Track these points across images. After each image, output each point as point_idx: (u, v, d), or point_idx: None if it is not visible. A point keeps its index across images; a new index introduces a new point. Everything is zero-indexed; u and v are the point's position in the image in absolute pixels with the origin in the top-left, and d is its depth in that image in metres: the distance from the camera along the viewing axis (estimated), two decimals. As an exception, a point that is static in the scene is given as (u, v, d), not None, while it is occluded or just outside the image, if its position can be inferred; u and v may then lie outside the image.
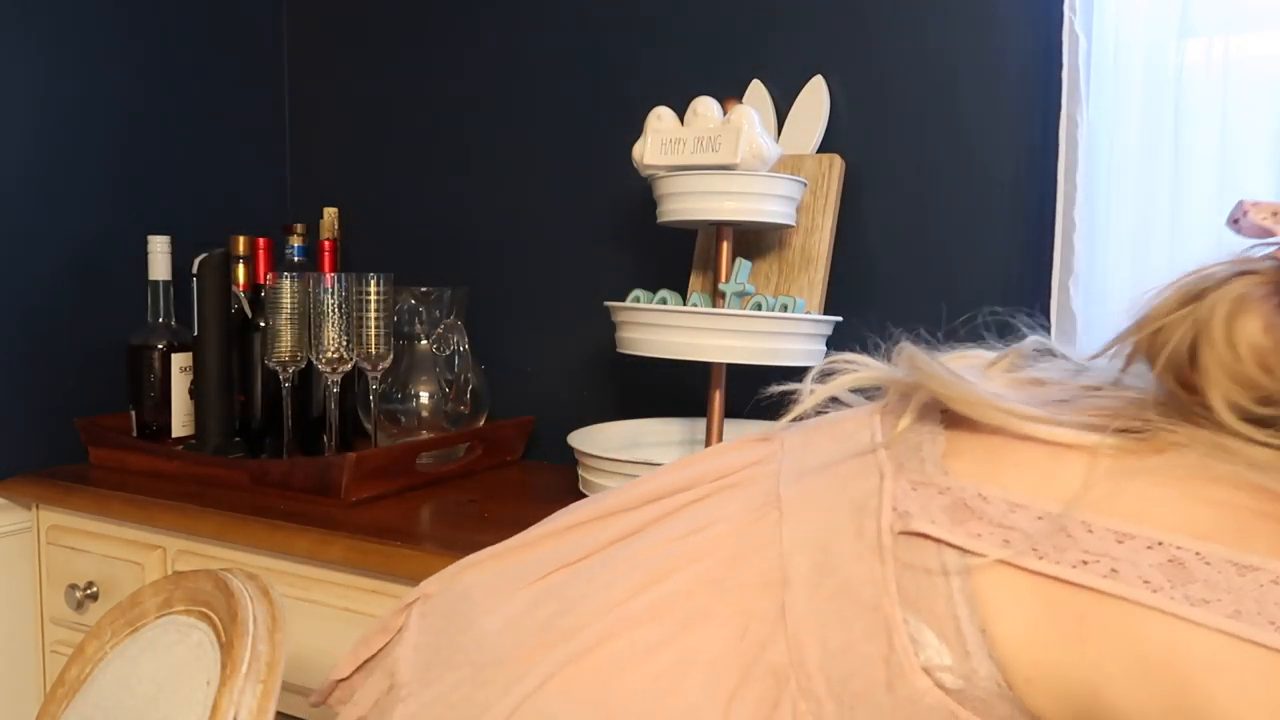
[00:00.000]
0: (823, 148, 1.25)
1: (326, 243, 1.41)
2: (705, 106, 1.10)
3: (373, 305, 1.24)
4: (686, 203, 1.10)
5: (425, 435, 1.33)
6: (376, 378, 1.28)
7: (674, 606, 0.50)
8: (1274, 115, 0.96)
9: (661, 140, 1.10)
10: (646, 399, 1.37)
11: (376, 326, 1.25)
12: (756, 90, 1.28)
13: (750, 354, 1.06)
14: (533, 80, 1.48)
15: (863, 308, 1.24)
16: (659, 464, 1.04)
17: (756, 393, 1.28)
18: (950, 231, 1.20)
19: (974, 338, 0.67)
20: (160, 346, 1.36)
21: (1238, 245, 0.52)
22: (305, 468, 1.19)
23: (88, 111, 1.40)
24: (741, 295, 1.11)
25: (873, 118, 1.24)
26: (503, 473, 1.37)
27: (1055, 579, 0.43)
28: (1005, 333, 0.63)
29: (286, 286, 1.24)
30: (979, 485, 0.47)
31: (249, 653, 0.72)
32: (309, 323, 1.25)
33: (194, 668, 0.77)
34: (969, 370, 0.54)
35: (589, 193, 1.44)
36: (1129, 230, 1.03)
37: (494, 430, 1.39)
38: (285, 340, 1.25)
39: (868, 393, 0.58)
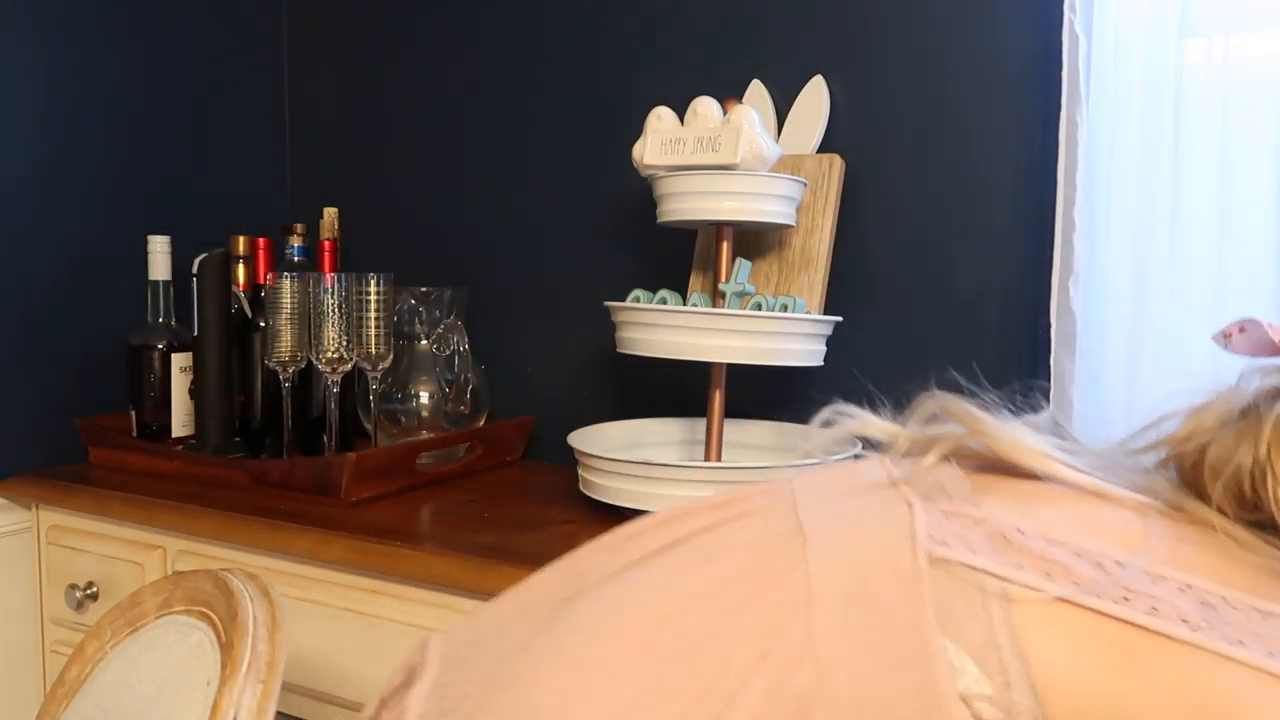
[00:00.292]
0: (823, 148, 1.25)
1: (326, 243, 1.41)
2: (705, 106, 1.10)
3: (373, 305, 1.24)
4: (686, 203, 1.10)
5: (425, 435, 1.33)
6: (376, 378, 1.28)
7: (692, 628, 0.49)
8: (1274, 115, 0.96)
9: (661, 140, 1.10)
10: (646, 399, 1.37)
11: (376, 326, 1.25)
12: (756, 90, 1.28)
13: (750, 354, 1.06)
14: (533, 80, 1.48)
15: (863, 308, 1.24)
16: (659, 464, 1.05)
17: (756, 393, 1.29)
18: (950, 231, 1.20)
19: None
20: (160, 346, 1.36)
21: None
22: (305, 468, 1.19)
23: (88, 111, 1.40)
24: (741, 295, 1.11)
25: (873, 118, 1.24)
26: (503, 473, 1.37)
27: (1099, 613, 0.43)
28: (999, 385, 0.63)
29: (286, 286, 1.24)
30: (1015, 520, 0.47)
31: (249, 653, 0.72)
32: (309, 323, 1.25)
33: (194, 668, 0.77)
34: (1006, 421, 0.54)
35: (589, 193, 1.44)
36: (1129, 230, 1.03)
37: (494, 430, 1.39)
38: (285, 340, 1.25)
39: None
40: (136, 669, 0.82)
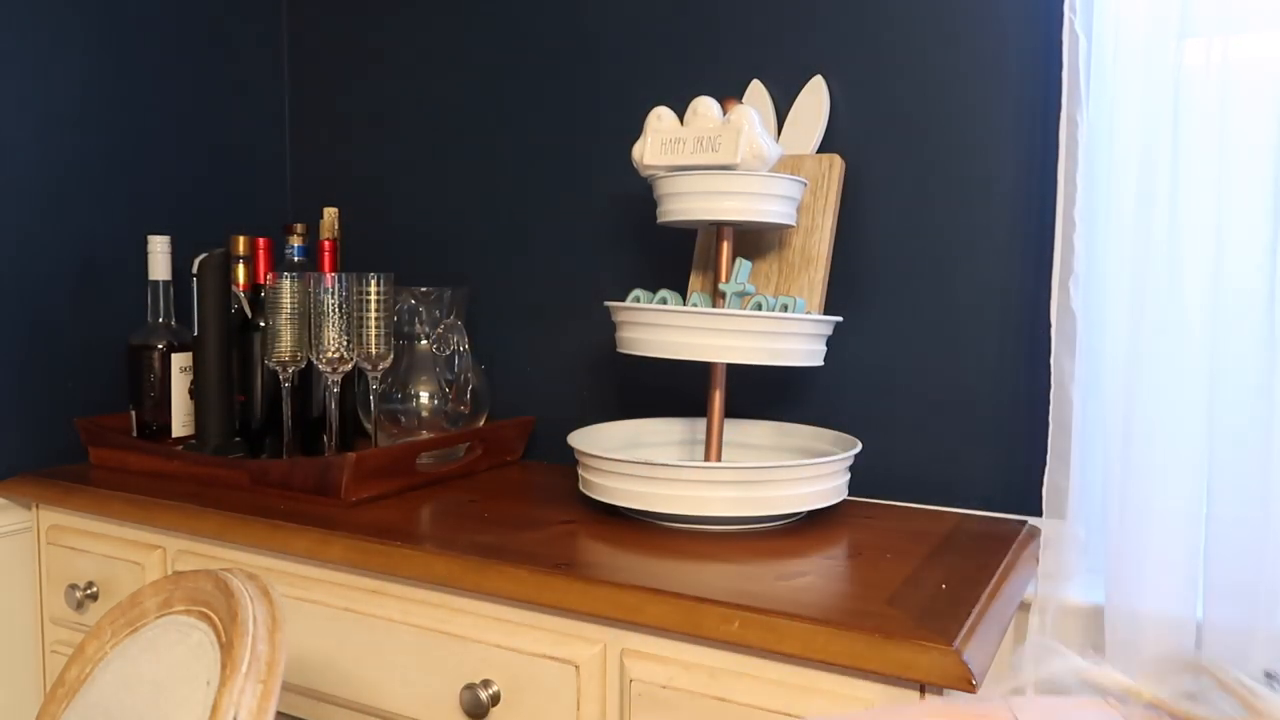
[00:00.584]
0: (823, 148, 1.25)
1: (326, 243, 1.41)
2: (705, 106, 1.10)
3: (373, 305, 1.24)
4: (686, 203, 1.10)
5: (425, 435, 1.33)
6: (376, 378, 1.28)
7: None
8: (1274, 115, 0.96)
9: (661, 140, 1.10)
10: (646, 399, 1.37)
11: (376, 326, 1.25)
12: (756, 90, 1.28)
13: (750, 354, 1.06)
14: (533, 80, 1.49)
15: (863, 308, 1.24)
16: (659, 464, 1.04)
17: (756, 393, 1.29)
18: (950, 231, 1.20)
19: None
20: (160, 346, 1.36)
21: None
22: (305, 468, 1.19)
23: (88, 111, 1.40)
24: (741, 295, 1.11)
25: (873, 118, 1.24)
26: (503, 473, 1.37)
27: None
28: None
29: (286, 286, 1.24)
30: None
31: (249, 653, 0.72)
32: (309, 323, 1.25)
33: (194, 668, 0.77)
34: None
35: (589, 193, 1.44)
36: (1129, 230, 1.03)
37: (494, 430, 1.40)
38: (285, 340, 1.25)
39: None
40: (136, 669, 0.82)
